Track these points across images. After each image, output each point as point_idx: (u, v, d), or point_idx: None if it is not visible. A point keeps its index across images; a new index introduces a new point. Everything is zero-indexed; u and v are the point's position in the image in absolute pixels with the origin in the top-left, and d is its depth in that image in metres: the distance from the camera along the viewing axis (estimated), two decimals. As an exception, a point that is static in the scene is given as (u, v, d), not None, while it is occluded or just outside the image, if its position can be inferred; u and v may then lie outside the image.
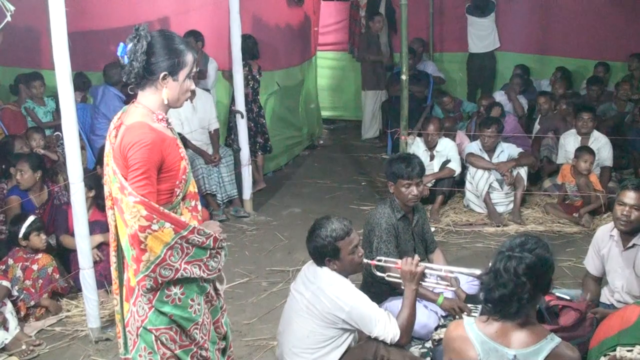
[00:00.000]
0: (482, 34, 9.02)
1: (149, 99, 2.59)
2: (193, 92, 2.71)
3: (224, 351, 2.86)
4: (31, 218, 4.60)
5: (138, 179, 2.44)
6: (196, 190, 2.76)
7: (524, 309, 2.33)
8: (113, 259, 2.77)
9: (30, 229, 4.55)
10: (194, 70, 2.63)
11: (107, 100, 6.31)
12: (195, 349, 2.66)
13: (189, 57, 2.59)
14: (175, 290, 2.57)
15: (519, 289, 2.30)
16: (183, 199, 2.64)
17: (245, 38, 6.56)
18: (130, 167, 2.47)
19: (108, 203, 2.68)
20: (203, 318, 2.66)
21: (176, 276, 2.51)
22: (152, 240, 2.44)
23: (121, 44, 2.57)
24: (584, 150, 6.04)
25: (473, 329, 2.40)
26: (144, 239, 2.43)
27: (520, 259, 2.33)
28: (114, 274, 2.78)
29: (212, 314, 2.75)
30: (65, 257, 4.81)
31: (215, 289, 2.77)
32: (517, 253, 2.35)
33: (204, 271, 2.58)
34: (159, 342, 2.60)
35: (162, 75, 2.54)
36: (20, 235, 4.55)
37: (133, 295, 2.62)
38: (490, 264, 2.44)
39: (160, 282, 2.51)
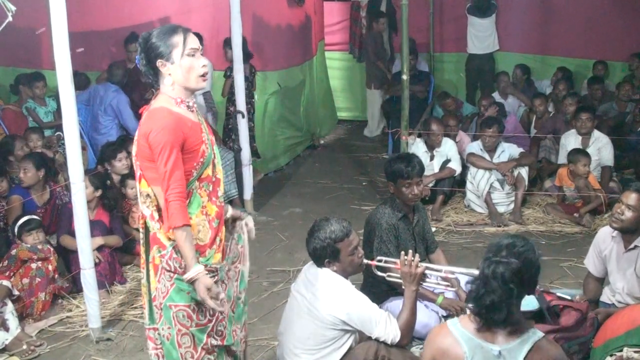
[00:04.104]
0: (481, 35, 9.01)
1: (164, 88, 2.74)
2: (207, 68, 2.78)
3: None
4: (24, 218, 4.61)
5: (165, 161, 2.59)
6: (218, 177, 2.86)
7: (512, 313, 2.33)
8: (141, 236, 2.91)
9: (21, 229, 4.55)
10: (190, 47, 2.69)
11: (109, 97, 6.36)
12: (211, 327, 2.80)
13: (176, 37, 2.68)
14: None
15: (506, 295, 2.31)
16: (199, 180, 2.75)
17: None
18: (155, 152, 2.61)
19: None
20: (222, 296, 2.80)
21: None
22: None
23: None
24: (579, 154, 6.03)
25: (458, 327, 2.41)
26: None
27: (508, 265, 2.33)
28: (141, 249, 2.92)
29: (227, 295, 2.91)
30: (66, 258, 4.82)
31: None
32: (504, 258, 2.35)
33: None
34: (176, 318, 2.75)
35: (158, 63, 2.69)
36: (16, 234, 4.57)
37: (157, 272, 2.77)
38: (479, 269, 2.43)
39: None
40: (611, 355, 3.23)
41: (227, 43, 6.57)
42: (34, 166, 5.06)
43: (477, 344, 2.35)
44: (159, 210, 2.72)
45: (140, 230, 2.90)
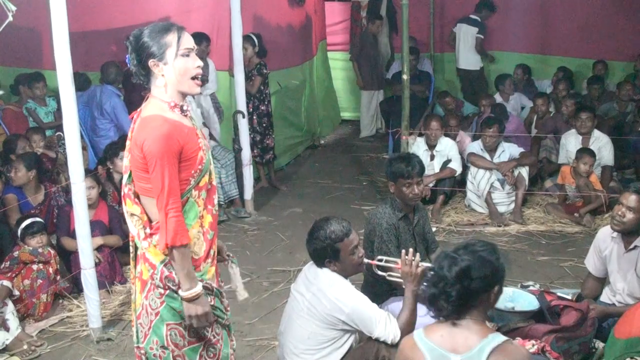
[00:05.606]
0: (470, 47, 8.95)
1: (156, 90, 2.60)
2: (201, 69, 2.63)
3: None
4: (28, 221, 4.60)
5: (160, 174, 2.46)
6: (214, 184, 2.74)
7: (453, 308, 2.34)
8: (131, 249, 2.81)
9: (25, 232, 4.55)
10: (184, 47, 2.55)
11: (106, 98, 6.36)
12: (202, 346, 2.69)
13: (169, 37, 2.54)
14: None
15: (447, 287, 2.33)
16: (197, 188, 2.62)
17: (259, 36, 6.61)
18: (150, 163, 2.48)
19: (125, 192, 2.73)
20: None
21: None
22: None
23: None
24: (584, 152, 6.03)
25: (422, 338, 2.41)
26: None
27: (455, 260, 2.35)
28: (131, 264, 2.82)
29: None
30: (66, 259, 4.82)
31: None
32: (457, 255, 2.37)
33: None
34: (169, 337, 2.63)
35: (150, 63, 2.54)
36: (19, 237, 4.58)
37: (145, 288, 2.65)
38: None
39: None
40: (632, 358, 3.15)
41: (247, 40, 6.53)
42: (24, 166, 5.10)
43: (439, 353, 2.35)
44: (145, 228, 2.60)
45: (130, 243, 2.79)
